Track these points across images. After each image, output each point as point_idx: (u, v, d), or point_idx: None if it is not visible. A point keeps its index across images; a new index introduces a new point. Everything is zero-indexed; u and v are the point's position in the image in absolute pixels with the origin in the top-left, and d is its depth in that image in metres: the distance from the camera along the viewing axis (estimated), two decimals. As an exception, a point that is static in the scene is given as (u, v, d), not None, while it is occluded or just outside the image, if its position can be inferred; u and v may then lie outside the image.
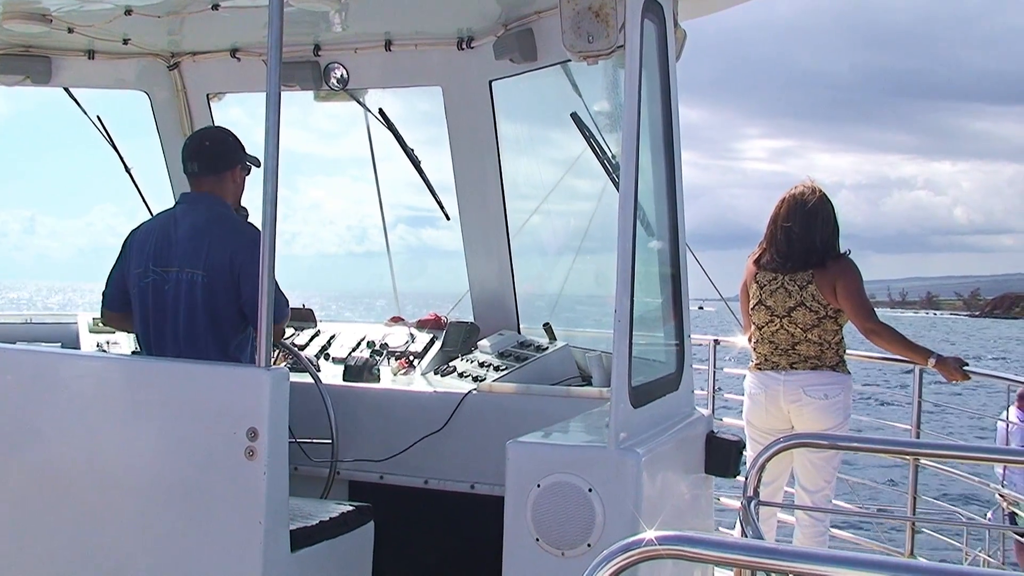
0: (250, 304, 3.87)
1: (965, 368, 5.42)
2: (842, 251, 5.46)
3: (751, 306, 5.55)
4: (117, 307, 4.28)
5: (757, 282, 5.51)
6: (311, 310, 5.90)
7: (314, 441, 4.49)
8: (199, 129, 4.53)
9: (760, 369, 5.50)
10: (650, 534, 1.88)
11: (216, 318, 4.02)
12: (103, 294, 4.33)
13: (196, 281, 4.01)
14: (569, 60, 4.53)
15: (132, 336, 5.81)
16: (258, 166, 4.45)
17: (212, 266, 4.00)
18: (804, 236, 5.39)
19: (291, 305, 4.60)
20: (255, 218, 3.90)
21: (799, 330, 5.36)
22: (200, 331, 4.02)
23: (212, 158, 4.26)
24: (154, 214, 5.21)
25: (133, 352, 5.58)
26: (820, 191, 5.46)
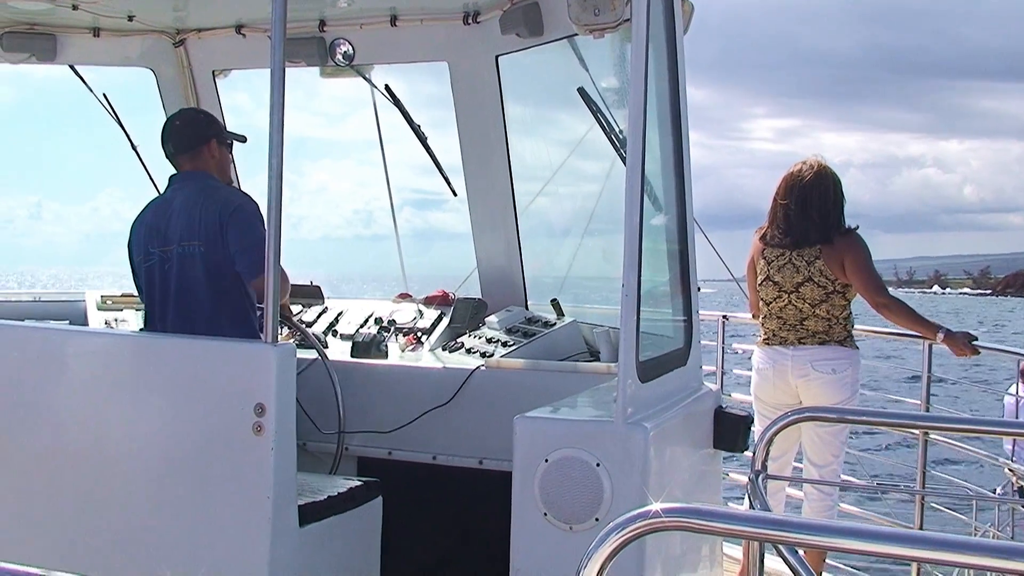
0: (237, 258, 3.93)
1: (974, 343, 5.40)
2: (850, 226, 5.44)
3: (759, 282, 5.54)
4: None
5: (764, 258, 5.50)
6: (318, 287, 5.90)
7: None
8: (171, 114, 4.57)
9: (768, 344, 5.49)
10: (657, 506, 1.87)
11: (220, 288, 4.04)
12: (137, 291, 4.39)
13: (195, 253, 4.03)
14: (576, 34, 4.51)
15: (139, 314, 5.85)
16: (242, 141, 4.50)
17: (207, 236, 4.02)
18: (800, 212, 5.38)
19: (300, 283, 4.59)
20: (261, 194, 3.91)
21: (807, 305, 5.35)
22: (206, 303, 4.04)
23: (183, 136, 4.31)
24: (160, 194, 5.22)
25: (142, 330, 5.60)
26: (818, 166, 5.42)
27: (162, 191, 4.46)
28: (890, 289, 5.57)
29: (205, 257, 4.02)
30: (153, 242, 4.15)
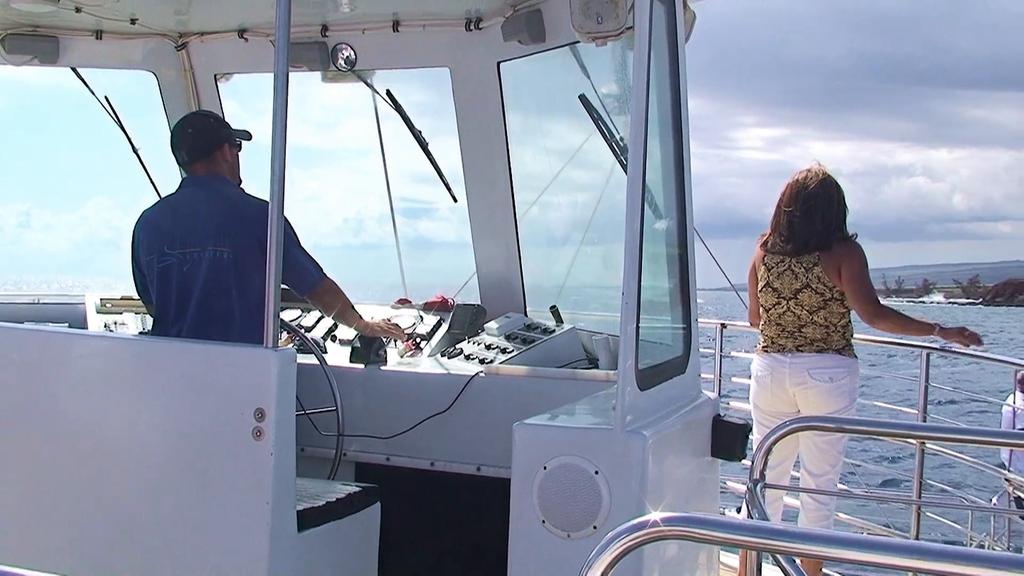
0: (288, 273, 3.91)
1: (973, 333, 5.44)
2: (849, 234, 5.45)
3: (759, 288, 5.55)
4: (151, 299, 4.31)
5: (765, 264, 5.51)
6: None
7: (320, 410, 4.52)
8: (180, 119, 4.57)
9: (766, 351, 5.49)
10: (656, 515, 1.88)
11: (245, 294, 4.04)
12: (138, 293, 4.39)
13: (222, 258, 4.05)
14: (578, 42, 4.51)
15: (139, 317, 5.84)
16: (248, 139, 4.50)
17: (240, 245, 4.03)
18: (804, 220, 5.39)
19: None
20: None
21: (805, 312, 5.35)
22: (227, 308, 4.05)
23: (197, 142, 4.32)
24: (160, 197, 5.24)
25: (141, 333, 5.60)
26: (822, 173, 5.45)
27: (165, 193, 4.45)
28: (880, 299, 5.57)
29: (235, 263, 4.04)
30: (170, 243, 4.13)
